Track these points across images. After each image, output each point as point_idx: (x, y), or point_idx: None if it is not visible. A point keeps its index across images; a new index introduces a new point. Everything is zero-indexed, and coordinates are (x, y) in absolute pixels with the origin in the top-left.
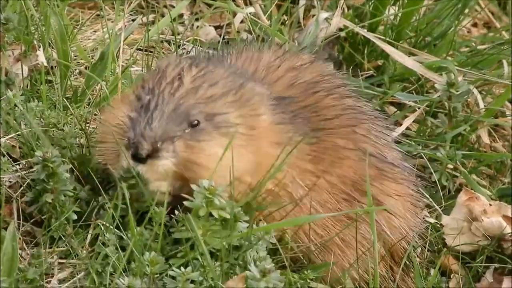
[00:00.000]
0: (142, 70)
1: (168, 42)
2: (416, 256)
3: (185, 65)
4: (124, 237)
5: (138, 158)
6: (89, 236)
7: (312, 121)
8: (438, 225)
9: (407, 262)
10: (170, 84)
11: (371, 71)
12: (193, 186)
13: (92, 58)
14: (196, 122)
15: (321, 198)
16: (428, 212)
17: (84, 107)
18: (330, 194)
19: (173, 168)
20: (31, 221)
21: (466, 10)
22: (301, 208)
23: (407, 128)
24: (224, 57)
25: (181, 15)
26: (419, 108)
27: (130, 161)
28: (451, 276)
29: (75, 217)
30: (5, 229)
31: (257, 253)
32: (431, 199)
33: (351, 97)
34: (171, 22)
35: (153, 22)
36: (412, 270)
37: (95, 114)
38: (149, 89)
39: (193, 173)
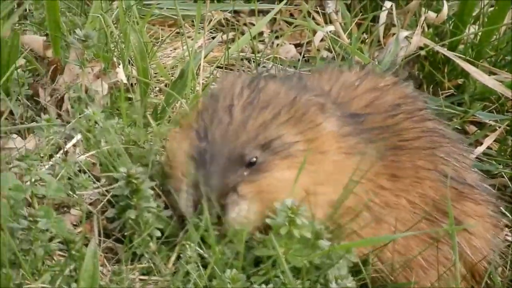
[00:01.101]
0: None
1: (248, 60)
2: (497, 275)
3: (237, 90)
4: (206, 255)
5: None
6: (173, 255)
7: (390, 141)
8: None
9: (488, 282)
10: (220, 124)
11: (451, 90)
12: (276, 204)
13: (172, 76)
14: (254, 159)
15: (402, 216)
16: (510, 231)
17: (164, 125)
18: (411, 213)
19: (252, 210)
20: (113, 238)
21: None
22: (382, 227)
23: (488, 147)
24: (302, 77)
25: (261, 33)
26: (499, 127)
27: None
28: None
29: (158, 234)
30: (86, 245)
31: (338, 271)
32: (499, 203)
33: (432, 120)
34: (251, 40)
35: (233, 40)
36: None
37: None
38: (203, 132)
39: (268, 202)
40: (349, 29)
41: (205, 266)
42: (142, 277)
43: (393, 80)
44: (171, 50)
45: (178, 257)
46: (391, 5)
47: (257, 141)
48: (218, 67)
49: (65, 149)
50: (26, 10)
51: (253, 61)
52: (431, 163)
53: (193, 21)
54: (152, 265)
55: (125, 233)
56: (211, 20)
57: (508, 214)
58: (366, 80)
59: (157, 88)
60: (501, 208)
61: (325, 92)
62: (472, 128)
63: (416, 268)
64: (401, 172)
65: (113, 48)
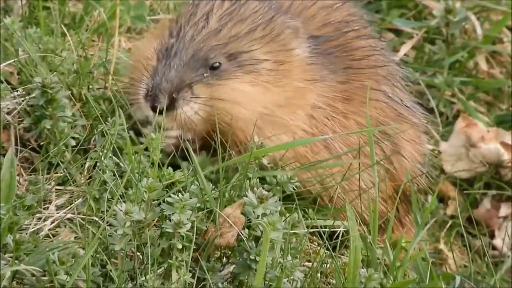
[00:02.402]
0: None
1: None
2: (412, 181)
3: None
4: (122, 164)
5: (156, 109)
6: (87, 163)
7: (343, 61)
8: (436, 152)
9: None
10: (195, 26)
11: None
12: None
13: None
14: (217, 64)
15: (350, 141)
16: (427, 139)
17: (82, 34)
18: (358, 136)
19: (198, 113)
20: (29, 147)
21: None
22: (330, 151)
23: (405, 55)
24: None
25: None
26: (416, 34)
27: (149, 112)
28: (449, 203)
29: (73, 143)
30: (3, 155)
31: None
32: (428, 126)
33: (375, 38)
34: None
35: None
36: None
37: (93, 40)
38: (176, 31)
39: (223, 110)
40: None
41: (121, 176)
42: (58, 187)
43: None
44: None
45: (95, 166)
46: None
47: (226, 49)
48: None
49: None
50: None
51: None
52: (376, 82)
53: None
54: (67, 174)
55: (41, 143)
56: None
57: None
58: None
59: None
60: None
61: (286, 7)
62: (389, 36)
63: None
64: (352, 93)
65: None
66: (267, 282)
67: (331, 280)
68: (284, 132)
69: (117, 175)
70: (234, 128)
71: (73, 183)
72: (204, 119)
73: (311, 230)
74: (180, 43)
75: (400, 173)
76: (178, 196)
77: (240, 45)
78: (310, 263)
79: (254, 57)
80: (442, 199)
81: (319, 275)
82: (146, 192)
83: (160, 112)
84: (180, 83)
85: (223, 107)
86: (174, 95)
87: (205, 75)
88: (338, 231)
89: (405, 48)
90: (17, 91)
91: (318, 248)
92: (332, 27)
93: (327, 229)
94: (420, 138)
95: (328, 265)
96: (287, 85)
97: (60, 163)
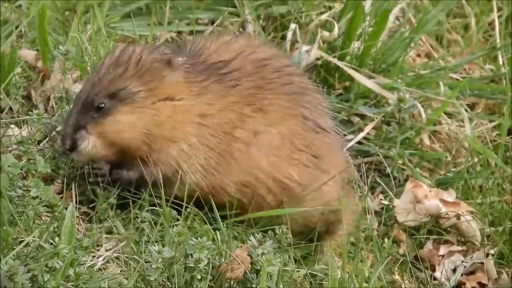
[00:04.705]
0: None
1: None
2: (374, 229)
3: (111, 51)
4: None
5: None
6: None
7: (256, 82)
8: (391, 206)
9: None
10: (89, 77)
11: (340, 90)
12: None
13: None
14: (102, 105)
15: (273, 143)
16: (384, 196)
17: None
18: (282, 141)
19: (96, 146)
20: (86, 204)
21: (412, 44)
22: (250, 150)
23: (368, 133)
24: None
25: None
26: (376, 118)
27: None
28: (401, 245)
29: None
30: (66, 209)
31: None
32: (385, 187)
33: (297, 74)
34: None
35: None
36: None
37: None
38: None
39: (112, 140)
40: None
41: (156, 223)
42: (107, 235)
43: (266, 41)
44: None
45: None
46: (295, 27)
47: (106, 91)
48: None
49: (51, 136)
50: (21, 31)
51: None
52: (295, 106)
53: (147, 39)
54: (113, 226)
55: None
56: (161, 38)
57: (383, 184)
58: (242, 38)
59: None
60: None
61: (197, 49)
62: (356, 119)
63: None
64: (268, 106)
65: (87, 59)
66: None
67: None
68: (172, 142)
69: (152, 223)
70: (130, 148)
71: (118, 232)
72: (104, 148)
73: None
74: (79, 93)
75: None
76: (198, 239)
77: (117, 85)
78: None
79: (129, 91)
80: (395, 241)
81: None
82: (176, 236)
83: (70, 150)
84: (76, 125)
85: (112, 137)
86: (74, 136)
87: (94, 116)
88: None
89: (367, 128)
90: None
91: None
92: (250, 58)
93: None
94: (337, 153)
95: None
96: (164, 106)
97: (108, 217)
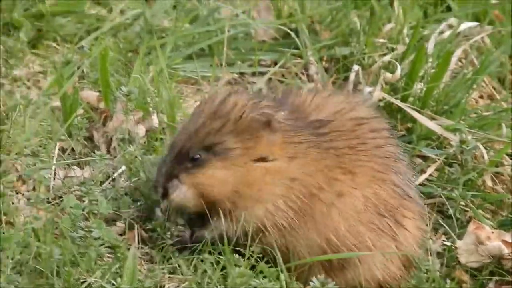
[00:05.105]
0: None
1: None
2: (437, 270)
3: (209, 100)
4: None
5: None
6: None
7: (350, 142)
8: (453, 247)
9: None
10: (185, 126)
11: (403, 132)
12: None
13: None
14: (197, 156)
15: (355, 205)
16: (446, 238)
17: None
18: (364, 205)
19: (186, 196)
20: (148, 246)
21: (475, 86)
22: (331, 211)
23: (430, 175)
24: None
25: (260, 89)
26: (439, 159)
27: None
28: (463, 286)
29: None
30: (128, 250)
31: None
32: (448, 228)
33: (393, 145)
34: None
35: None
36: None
37: None
38: (177, 131)
39: (202, 192)
40: (327, 86)
41: (218, 262)
42: (170, 275)
43: (365, 100)
44: (192, 102)
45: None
46: (358, 68)
47: (202, 143)
48: None
49: (113, 177)
50: (83, 72)
51: None
52: (387, 170)
53: (209, 80)
54: (177, 265)
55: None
56: (222, 79)
57: (445, 225)
58: (341, 95)
59: None
60: (431, 221)
61: (299, 104)
62: (418, 160)
63: (364, 250)
64: (358, 169)
65: (149, 100)
66: None
67: None
68: (260, 203)
69: (215, 264)
70: (216, 202)
71: (180, 272)
72: (193, 199)
73: None
74: (173, 142)
75: (404, 248)
76: (259, 280)
77: (214, 139)
78: None
79: (225, 146)
80: (458, 282)
81: None
82: (238, 277)
83: (161, 198)
84: (169, 175)
85: (202, 189)
86: (166, 185)
87: (188, 166)
88: None
89: (430, 170)
90: (139, 202)
91: None
92: (347, 117)
93: None
94: (420, 228)
95: None
96: (257, 167)
97: (171, 257)
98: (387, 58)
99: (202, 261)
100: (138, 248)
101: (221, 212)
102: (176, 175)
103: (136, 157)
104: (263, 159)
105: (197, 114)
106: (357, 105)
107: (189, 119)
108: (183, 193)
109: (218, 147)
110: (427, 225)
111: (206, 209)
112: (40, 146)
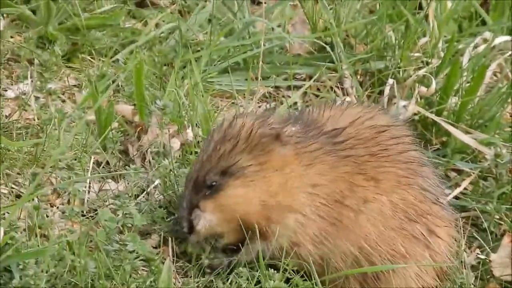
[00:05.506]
0: None
1: None
2: (471, 283)
3: (219, 125)
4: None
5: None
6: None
7: (372, 149)
8: (488, 261)
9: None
10: (198, 156)
11: (438, 145)
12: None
13: None
14: (213, 183)
15: (383, 211)
16: (480, 251)
17: None
18: (392, 211)
19: (211, 221)
20: (184, 259)
21: (509, 100)
22: (359, 217)
23: (465, 188)
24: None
25: (295, 103)
26: (473, 173)
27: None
28: None
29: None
30: (163, 263)
31: None
32: (482, 241)
33: (415, 150)
34: (287, 108)
35: (274, 109)
36: None
37: None
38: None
39: (227, 213)
40: (362, 100)
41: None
42: None
43: (384, 109)
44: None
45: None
46: (393, 82)
47: (217, 169)
48: None
49: (147, 191)
50: (118, 85)
51: None
52: (412, 175)
53: (244, 94)
54: (212, 279)
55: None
56: (258, 93)
57: (479, 238)
58: (358, 106)
59: None
60: (465, 234)
61: (313, 118)
62: (453, 174)
63: (397, 258)
64: (382, 175)
65: (184, 114)
66: None
67: None
68: (289, 212)
69: (250, 278)
70: (248, 221)
71: (216, 287)
72: (220, 223)
73: None
74: (189, 174)
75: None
76: None
77: (227, 161)
78: None
79: (240, 166)
80: None
81: None
82: None
83: (189, 233)
84: (190, 207)
85: (226, 210)
86: (189, 218)
87: (206, 193)
88: None
89: (465, 183)
90: (174, 215)
91: None
92: (366, 124)
93: None
94: (450, 235)
95: None
96: (275, 176)
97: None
98: (422, 72)
99: (237, 274)
100: (173, 261)
101: (257, 231)
102: (196, 204)
103: (170, 170)
104: (279, 171)
105: (207, 143)
106: (376, 114)
107: (200, 149)
108: (208, 221)
109: (232, 168)
110: (458, 232)
111: (244, 230)
112: (75, 160)
